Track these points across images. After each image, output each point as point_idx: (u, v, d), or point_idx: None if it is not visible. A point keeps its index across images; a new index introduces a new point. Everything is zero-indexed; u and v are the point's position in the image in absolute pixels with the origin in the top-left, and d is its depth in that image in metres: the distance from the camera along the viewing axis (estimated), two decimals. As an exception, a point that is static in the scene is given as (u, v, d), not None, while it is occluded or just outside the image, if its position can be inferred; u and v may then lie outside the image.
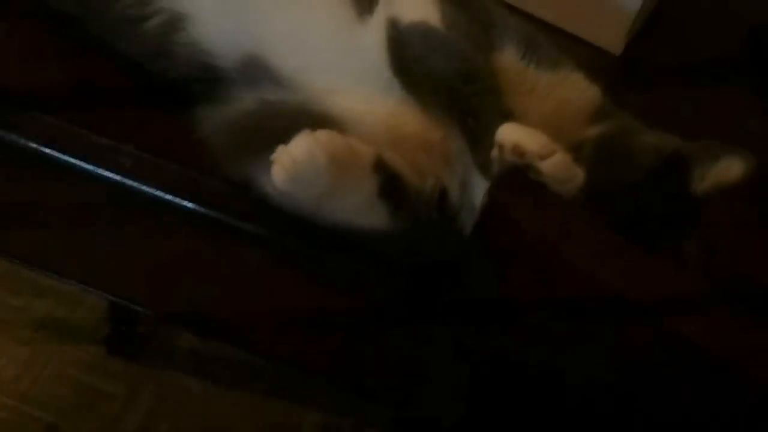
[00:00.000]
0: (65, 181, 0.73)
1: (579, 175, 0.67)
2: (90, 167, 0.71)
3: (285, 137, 0.67)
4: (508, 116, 0.70)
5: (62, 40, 0.78)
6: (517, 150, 0.65)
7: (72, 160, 0.71)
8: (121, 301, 0.83)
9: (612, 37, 1.09)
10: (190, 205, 0.72)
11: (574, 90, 0.79)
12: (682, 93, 1.06)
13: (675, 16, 1.18)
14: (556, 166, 0.66)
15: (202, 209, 0.71)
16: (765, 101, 1.08)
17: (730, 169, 0.74)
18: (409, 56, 0.73)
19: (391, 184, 0.68)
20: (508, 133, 0.67)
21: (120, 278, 0.79)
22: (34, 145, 0.71)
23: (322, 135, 0.63)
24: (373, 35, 0.75)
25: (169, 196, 0.71)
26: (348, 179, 0.65)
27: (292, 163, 0.62)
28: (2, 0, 0.80)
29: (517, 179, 0.65)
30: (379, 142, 0.71)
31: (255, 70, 0.74)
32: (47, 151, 0.71)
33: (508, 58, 0.76)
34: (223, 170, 0.71)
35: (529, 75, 0.76)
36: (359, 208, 0.67)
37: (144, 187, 0.71)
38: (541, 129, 0.73)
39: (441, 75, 0.72)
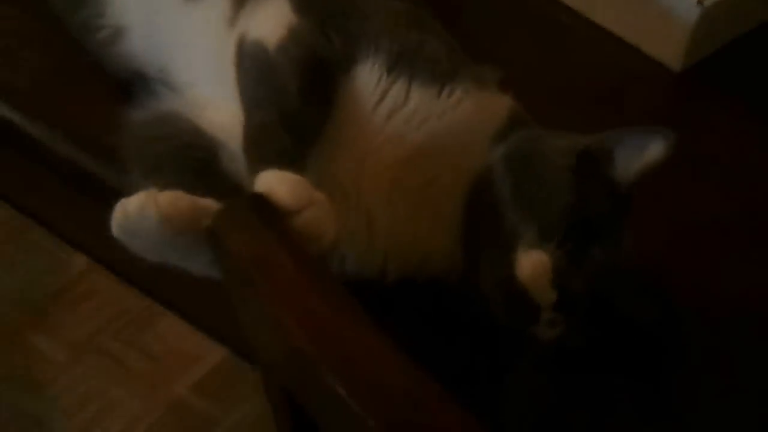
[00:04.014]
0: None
1: (328, 234, 0.63)
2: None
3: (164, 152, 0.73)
4: (289, 155, 0.65)
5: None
6: (271, 199, 0.61)
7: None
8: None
9: (671, 52, 1.00)
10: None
11: (466, 108, 0.72)
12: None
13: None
14: (304, 223, 0.61)
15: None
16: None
17: (651, 151, 0.69)
18: (238, 74, 0.72)
19: None
20: (266, 180, 0.63)
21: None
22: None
23: (162, 196, 0.63)
24: (232, 48, 0.73)
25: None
26: (193, 238, 0.63)
27: (124, 218, 0.64)
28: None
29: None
30: None
31: (166, 81, 0.78)
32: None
33: (369, 72, 0.71)
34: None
35: (396, 90, 0.71)
36: (215, 263, 0.64)
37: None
38: (414, 152, 0.70)
39: (245, 97, 0.71)
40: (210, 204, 0.64)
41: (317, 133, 0.69)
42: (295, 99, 0.69)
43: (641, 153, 0.69)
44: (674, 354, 0.72)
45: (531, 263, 0.66)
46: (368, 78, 0.71)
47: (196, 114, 0.76)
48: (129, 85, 0.82)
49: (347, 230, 0.70)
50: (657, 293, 0.72)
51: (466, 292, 0.68)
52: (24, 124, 0.83)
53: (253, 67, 0.71)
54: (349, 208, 0.70)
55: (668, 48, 1.00)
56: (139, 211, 0.63)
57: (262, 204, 0.61)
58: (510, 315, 0.68)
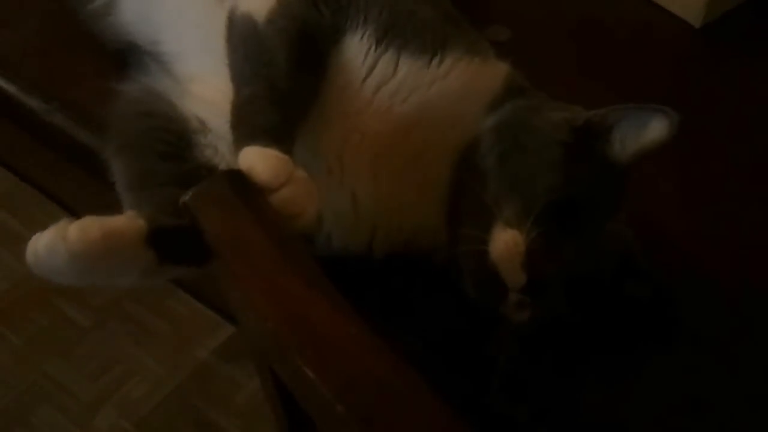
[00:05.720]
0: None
1: (308, 211, 0.61)
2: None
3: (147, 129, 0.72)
4: (275, 132, 0.63)
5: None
6: (251, 176, 0.59)
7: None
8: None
9: (691, 8, 0.97)
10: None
11: (457, 77, 0.69)
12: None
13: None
14: (282, 201, 0.59)
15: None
16: None
17: (651, 131, 0.65)
18: (228, 49, 0.70)
19: (173, 244, 0.61)
20: (247, 157, 0.61)
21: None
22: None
23: (71, 229, 0.59)
24: (222, 21, 0.72)
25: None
26: (112, 263, 0.60)
27: (35, 258, 0.59)
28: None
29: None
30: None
31: (157, 54, 0.77)
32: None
33: (358, 43, 0.69)
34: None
35: (385, 62, 0.68)
36: (143, 275, 0.62)
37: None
38: (399, 126, 0.68)
39: (234, 73, 0.69)
40: (124, 223, 0.61)
41: (305, 109, 0.67)
42: (283, 73, 0.67)
43: (641, 132, 0.66)
44: (664, 333, 0.70)
45: (504, 243, 0.64)
46: (357, 50, 0.69)
47: (182, 90, 0.74)
48: (123, 58, 0.81)
49: (332, 206, 0.68)
50: (651, 272, 0.69)
51: (452, 269, 0.66)
52: (21, 96, 0.82)
53: (243, 41, 0.69)
54: (333, 185, 0.69)
55: (689, 4, 0.97)
56: (49, 250, 0.59)
57: (241, 181, 0.59)
58: (478, 291, 0.66)
